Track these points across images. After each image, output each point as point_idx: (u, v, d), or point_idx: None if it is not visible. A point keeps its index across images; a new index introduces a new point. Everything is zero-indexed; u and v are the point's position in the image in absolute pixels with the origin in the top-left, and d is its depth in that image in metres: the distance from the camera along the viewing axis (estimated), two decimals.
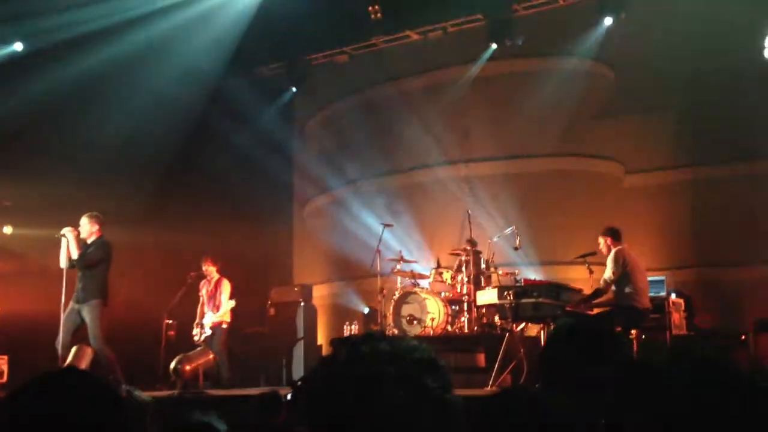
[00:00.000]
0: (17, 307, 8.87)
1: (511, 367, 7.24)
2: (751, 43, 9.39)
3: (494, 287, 7.93)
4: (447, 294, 9.04)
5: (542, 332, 7.37)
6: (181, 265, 9.76)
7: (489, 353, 7.85)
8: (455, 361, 8.03)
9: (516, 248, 8.84)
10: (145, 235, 9.77)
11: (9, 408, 1.45)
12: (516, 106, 10.42)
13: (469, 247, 8.98)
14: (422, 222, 10.99)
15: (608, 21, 10.01)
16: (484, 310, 8.58)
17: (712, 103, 9.72)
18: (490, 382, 7.18)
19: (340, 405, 1.23)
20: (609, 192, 10.48)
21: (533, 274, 9.24)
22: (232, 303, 9.09)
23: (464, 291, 8.82)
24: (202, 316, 9.31)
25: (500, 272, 8.87)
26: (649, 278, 7.86)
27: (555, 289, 7.38)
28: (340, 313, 11.37)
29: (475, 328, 8.63)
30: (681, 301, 8.70)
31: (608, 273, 7.32)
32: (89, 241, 7.65)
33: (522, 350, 7.35)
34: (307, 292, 10.64)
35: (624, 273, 7.26)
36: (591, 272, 7.95)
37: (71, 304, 7.49)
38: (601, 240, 7.58)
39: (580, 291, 7.74)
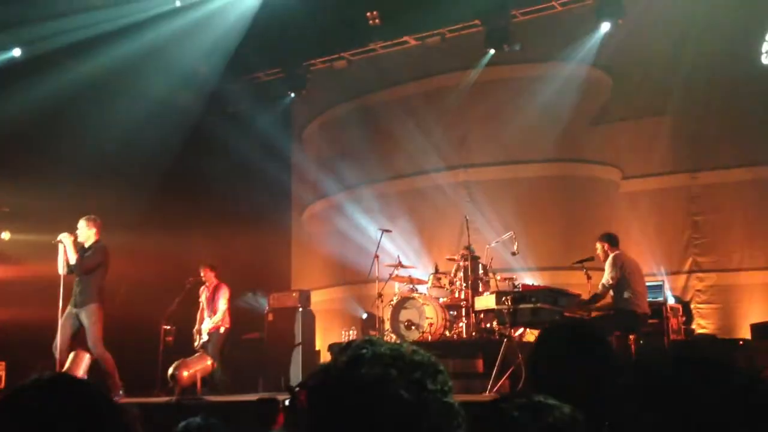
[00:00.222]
0: (15, 313, 8.86)
1: (509, 372, 7.22)
2: (749, 49, 9.43)
3: (492, 292, 7.93)
4: (445, 299, 9.04)
5: None
6: (180, 271, 9.76)
7: (487, 359, 7.83)
8: (453, 367, 8.01)
9: (514, 253, 8.85)
10: (143, 240, 9.76)
11: None
12: (514, 112, 10.44)
13: (466, 253, 8.97)
14: (420, 227, 11.00)
15: (605, 27, 10.04)
16: (482, 316, 8.57)
17: (709, 108, 9.74)
18: (489, 388, 7.18)
19: (344, 407, 1.23)
20: (606, 197, 10.50)
21: (531, 280, 9.25)
22: (224, 305, 9.19)
23: (462, 296, 8.81)
24: (201, 322, 9.32)
25: (498, 277, 8.87)
26: (648, 283, 7.87)
27: (553, 295, 7.38)
28: (339, 319, 11.37)
29: (474, 333, 8.62)
30: (679, 306, 8.72)
31: (606, 277, 7.33)
32: (87, 245, 7.64)
33: (520, 355, 7.34)
34: (305, 298, 10.62)
35: (622, 277, 7.27)
36: (589, 277, 7.95)
37: (69, 308, 7.49)
38: (598, 245, 7.61)
39: (578, 296, 7.75)
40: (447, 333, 8.78)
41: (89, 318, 7.44)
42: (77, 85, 9.62)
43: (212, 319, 9.21)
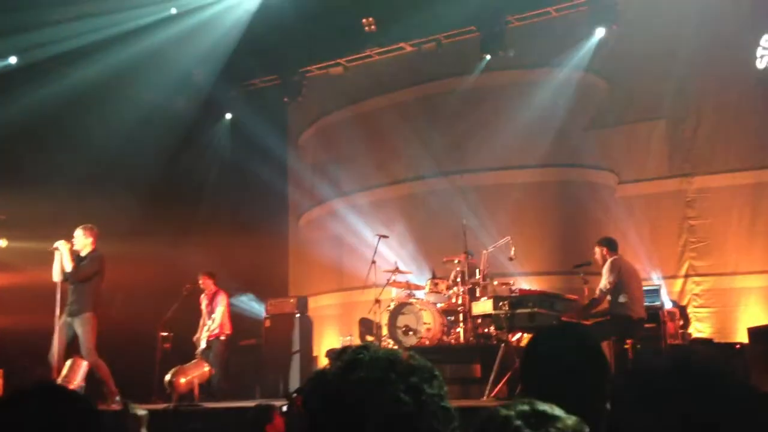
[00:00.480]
0: (11, 321, 8.83)
1: (507, 377, 7.22)
2: (743, 54, 9.46)
3: (489, 297, 7.94)
4: (442, 305, 9.04)
5: None
6: (176, 278, 9.75)
7: (485, 364, 7.83)
8: (451, 372, 8.02)
9: (511, 258, 8.85)
10: (139, 247, 9.75)
11: None
12: (510, 117, 10.46)
13: (463, 260, 8.98)
14: (417, 233, 11.00)
15: (600, 32, 10.09)
16: (479, 321, 8.57)
17: (704, 112, 9.78)
18: (486, 393, 7.17)
19: (340, 411, 1.23)
20: (602, 202, 10.50)
21: (528, 284, 9.25)
22: (222, 312, 9.18)
23: (459, 301, 8.82)
24: (201, 329, 9.31)
25: (495, 282, 8.87)
26: (645, 288, 7.86)
27: (550, 299, 7.39)
28: (336, 325, 11.37)
29: (471, 338, 8.62)
30: (676, 310, 8.71)
31: (604, 282, 7.33)
32: (83, 254, 7.64)
33: (518, 360, 7.34)
34: (302, 304, 10.63)
35: (619, 282, 7.26)
36: (586, 282, 7.96)
37: (64, 317, 7.48)
38: (597, 250, 7.60)
39: (575, 301, 7.75)
40: (444, 338, 8.78)
41: (83, 326, 7.43)
42: (73, 93, 9.62)
43: (208, 327, 9.20)
